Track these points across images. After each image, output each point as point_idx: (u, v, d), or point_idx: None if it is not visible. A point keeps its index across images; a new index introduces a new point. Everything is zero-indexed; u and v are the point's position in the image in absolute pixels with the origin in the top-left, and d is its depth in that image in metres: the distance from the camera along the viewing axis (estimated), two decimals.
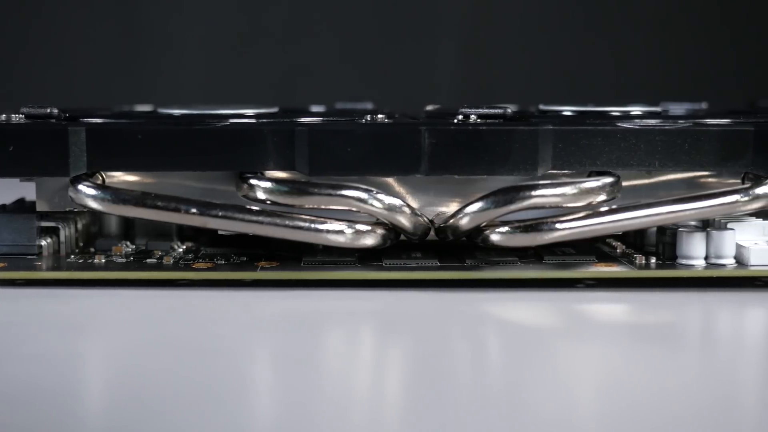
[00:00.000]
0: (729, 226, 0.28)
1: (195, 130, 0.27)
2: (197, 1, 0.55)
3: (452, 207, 0.28)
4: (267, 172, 0.27)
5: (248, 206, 0.27)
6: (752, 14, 0.55)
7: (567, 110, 0.34)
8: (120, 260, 0.28)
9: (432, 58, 0.55)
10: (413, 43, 0.55)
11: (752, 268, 0.27)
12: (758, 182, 0.27)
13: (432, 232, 0.28)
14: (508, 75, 0.55)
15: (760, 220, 0.28)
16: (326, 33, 0.55)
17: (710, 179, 0.28)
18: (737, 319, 0.26)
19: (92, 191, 0.27)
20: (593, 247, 0.30)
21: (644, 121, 0.29)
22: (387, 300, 0.26)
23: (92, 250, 0.30)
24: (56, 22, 0.55)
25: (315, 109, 0.37)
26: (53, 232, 0.29)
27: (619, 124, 0.27)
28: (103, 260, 0.28)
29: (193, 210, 0.26)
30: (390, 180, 0.28)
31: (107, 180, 0.28)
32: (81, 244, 0.30)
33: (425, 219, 0.27)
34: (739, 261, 0.28)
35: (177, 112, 0.32)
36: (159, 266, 0.28)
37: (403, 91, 0.54)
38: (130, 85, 0.54)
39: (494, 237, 0.27)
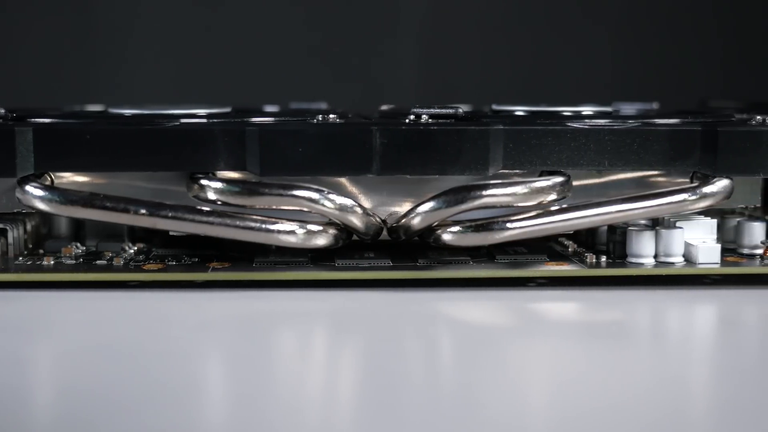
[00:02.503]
0: (678, 224, 0.28)
1: (144, 130, 0.27)
2: None
3: (405, 207, 0.28)
4: (218, 172, 0.27)
5: (198, 207, 0.27)
6: (706, 15, 0.56)
7: (519, 110, 0.34)
8: (69, 262, 0.28)
9: (393, 57, 0.55)
10: (373, 42, 0.55)
11: (700, 266, 0.28)
12: (705, 181, 0.27)
13: (384, 232, 0.28)
14: (469, 75, 0.55)
15: (708, 219, 0.29)
16: (287, 32, 0.55)
17: (659, 178, 0.29)
18: (686, 317, 0.26)
19: (40, 192, 0.26)
20: (545, 246, 0.30)
21: (594, 121, 0.29)
22: (339, 300, 0.26)
23: (41, 251, 0.29)
24: (3, 19, 0.54)
25: (269, 108, 0.37)
26: (1, 233, 0.29)
27: (569, 124, 0.27)
28: (52, 262, 0.28)
29: (143, 211, 0.26)
30: (343, 180, 0.28)
31: (57, 181, 0.28)
32: (30, 246, 0.30)
33: (377, 219, 0.27)
34: (688, 259, 0.28)
35: (128, 112, 0.31)
36: (109, 268, 0.27)
37: (364, 90, 0.54)
38: (83, 85, 0.54)
39: (446, 236, 0.27)
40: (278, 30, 0.55)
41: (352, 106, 0.37)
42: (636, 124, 0.28)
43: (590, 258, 0.28)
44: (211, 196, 0.26)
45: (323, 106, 0.38)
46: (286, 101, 0.40)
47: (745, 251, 0.29)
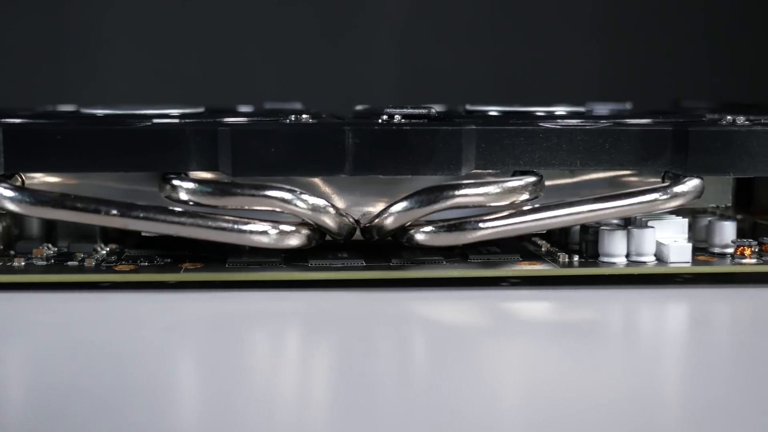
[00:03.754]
0: (649, 224, 0.28)
1: (116, 131, 0.27)
2: None
3: (378, 207, 0.28)
4: (190, 172, 0.27)
5: (170, 207, 0.26)
6: (683, 16, 0.56)
7: (493, 110, 0.34)
8: (41, 263, 0.28)
9: (374, 57, 0.55)
10: (352, 42, 0.55)
11: (672, 265, 0.28)
12: (676, 181, 0.28)
13: (358, 232, 0.28)
14: (450, 75, 0.55)
15: (679, 218, 0.29)
16: (269, 32, 0.55)
17: (632, 178, 0.29)
18: (658, 316, 0.26)
19: (10, 193, 0.26)
20: (519, 246, 0.30)
21: (566, 121, 0.29)
22: (312, 300, 0.26)
23: (12, 253, 0.29)
24: None
25: (242, 109, 0.36)
26: None
27: (541, 124, 0.28)
28: (23, 263, 0.28)
29: (114, 211, 0.26)
30: (317, 180, 0.28)
31: (27, 181, 0.27)
32: (1, 247, 0.29)
33: (350, 219, 0.27)
34: (659, 258, 0.28)
35: (100, 112, 0.31)
36: (80, 269, 0.27)
37: (345, 90, 0.54)
38: (57, 86, 0.53)
39: (419, 236, 0.27)
40: (260, 30, 0.55)
41: (333, 107, 0.37)
42: (607, 124, 0.28)
43: (563, 257, 0.28)
44: (183, 196, 0.26)
45: (298, 106, 0.38)
46: (266, 102, 0.40)
47: (716, 250, 0.29)
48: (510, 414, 0.19)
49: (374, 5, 0.56)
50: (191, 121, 0.28)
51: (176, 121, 0.29)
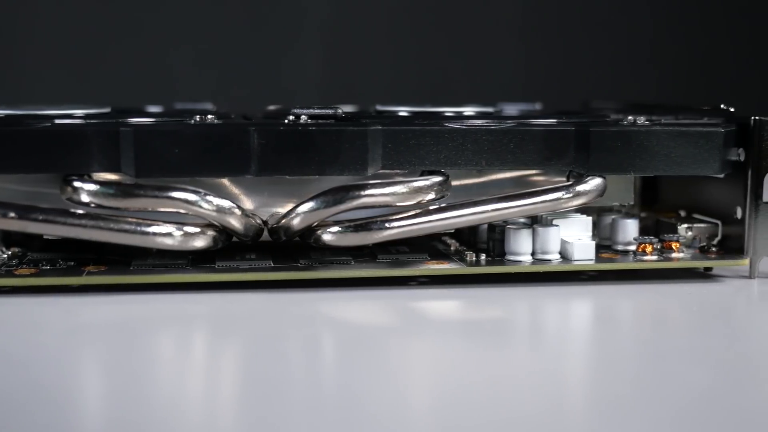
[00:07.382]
0: (554, 222, 0.29)
1: (14, 131, 0.26)
2: None
3: (287, 208, 0.28)
4: (92, 174, 0.26)
5: (71, 209, 0.26)
6: (597, 18, 0.57)
7: (403, 110, 0.34)
8: None
9: (297, 59, 0.55)
10: (273, 42, 0.55)
11: (576, 262, 0.28)
12: (579, 180, 0.28)
13: (266, 233, 0.28)
14: (372, 76, 0.56)
15: (583, 217, 0.29)
16: (185, 30, 0.54)
17: (538, 177, 0.29)
18: (563, 312, 0.27)
19: None
20: (428, 245, 0.30)
21: (472, 121, 0.29)
22: (218, 302, 0.26)
23: None
24: None
25: (151, 109, 0.36)
26: None
27: (447, 125, 0.28)
28: None
29: (12, 214, 0.25)
30: (225, 181, 0.28)
31: None
32: None
33: (257, 220, 0.27)
34: (564, 256, 0.29)
35: (1, 112, 0.30)
36: None
37: (260, 91, 0.54)
38: None
39: (326, 237, 0.27)
40: (182, 29, 0.54)
41: (251, 107, 0.37)
42: (512, 124, 0.28)
43: (470, 256, 0.29)
44: (85, 198, 0.26)
45: (208, 106, 0.37)
46: (177, 102, 0.39)
47: (620, 248, 0.30)
48: (419, 412, 0.19)
49: (295, 4, 0.55)
50: (93, 121, 0.28)
51: (77, 121, 0.28)
